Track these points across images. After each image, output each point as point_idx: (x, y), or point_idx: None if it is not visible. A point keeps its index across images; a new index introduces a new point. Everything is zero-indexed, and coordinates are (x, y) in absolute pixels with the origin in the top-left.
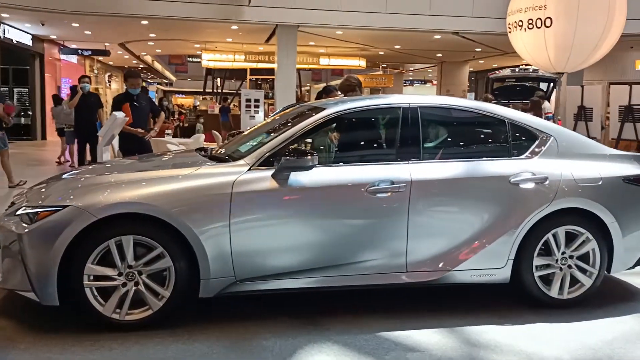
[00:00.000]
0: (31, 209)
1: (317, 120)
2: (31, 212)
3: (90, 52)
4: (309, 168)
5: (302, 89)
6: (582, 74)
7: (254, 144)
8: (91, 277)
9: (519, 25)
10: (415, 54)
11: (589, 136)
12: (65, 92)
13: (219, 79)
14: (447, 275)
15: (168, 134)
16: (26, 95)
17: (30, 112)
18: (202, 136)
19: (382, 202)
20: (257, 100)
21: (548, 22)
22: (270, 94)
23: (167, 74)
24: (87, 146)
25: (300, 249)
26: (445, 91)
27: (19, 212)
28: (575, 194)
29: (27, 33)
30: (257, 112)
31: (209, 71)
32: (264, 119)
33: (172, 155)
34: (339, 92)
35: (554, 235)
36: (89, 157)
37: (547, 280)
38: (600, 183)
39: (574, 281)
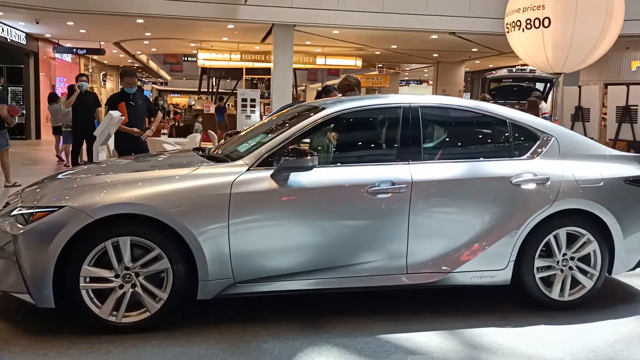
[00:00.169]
0: (26, 209)
1: (316, 120)
2: (26, 212)
3: (85, 51)
4: (309, 168)
5: (298, 88)
6: (578, 74)
7: (253, 143)
8: (87, 279)
9: (517, 25)
10: (412, 53)
11: (586, 137)
12: (60, 91)
13: (214, 79)
14: (448, 276)
15: (164, 134)
16: (20, 94)
17: (24, 112)
18: (199, 136)
19: (382, 203)
20: (253, 100)
21: (546, 22)
22: (266, 93)
23: (162, 73)
24: (84, 146)
25: (300, 250)
26: (441, 91)
27: (14, 212)
28: (577, 195)
29: (22, 31)
30: (253, 111)
31: (205, 70)
32: (260, 119)
33: (170, 155)
34: (338, 92)
35: (555, 237)
36: (84, 157)
37: (548, 281)
38: (601, 184)
39: (575, 283)
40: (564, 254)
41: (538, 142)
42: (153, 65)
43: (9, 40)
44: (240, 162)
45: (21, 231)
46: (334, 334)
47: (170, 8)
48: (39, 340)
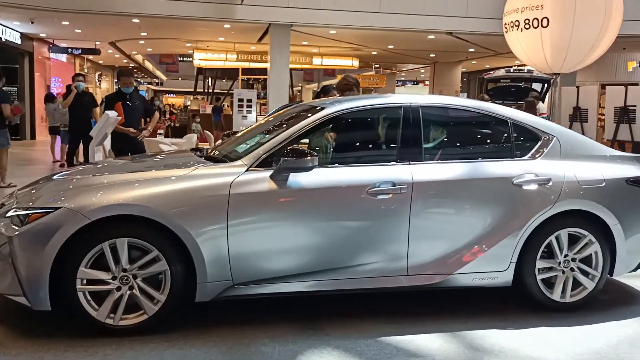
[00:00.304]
0: (22, 210)
1: (316, 120)
2: (22, 214)
3: (80, 51)
4: (309, 169)
5: (294, 89)
6: (574, 75)
7: (252, 144)
8: (84, 281)
9: (516, 26)
10: (409, 54)
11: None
12: (55, 91)
13: (210, 79)
14: (448, 278)
15: (160, 134)
16: (15, 94)
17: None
18: (195, 136)
19: (383, 204)
20: (249, 100)
21: (545, 22)
22: (263, 93)
23: (158, 73)
24: (80, 146)
25: (300, 251)
26: (437, 91)
27: (9, 213)
28: (579, 196)
29: (16, 31)
30: (249, 112)
31: (200, 71)
32: (256, 119)
33: (167, 156)
34: (337, 92)
35: (557, 238)
36: (80, 158)
37: (550, 283)
38: (603, 185)
39: (577, 284)
40: (566, 255)
41: (539, 143)
42: (149, 65)
43: (3, 40)
44: (239, 162)
45: (17, 233)
46: (334, 336)
47: (166, 7)
48: (35, 343)
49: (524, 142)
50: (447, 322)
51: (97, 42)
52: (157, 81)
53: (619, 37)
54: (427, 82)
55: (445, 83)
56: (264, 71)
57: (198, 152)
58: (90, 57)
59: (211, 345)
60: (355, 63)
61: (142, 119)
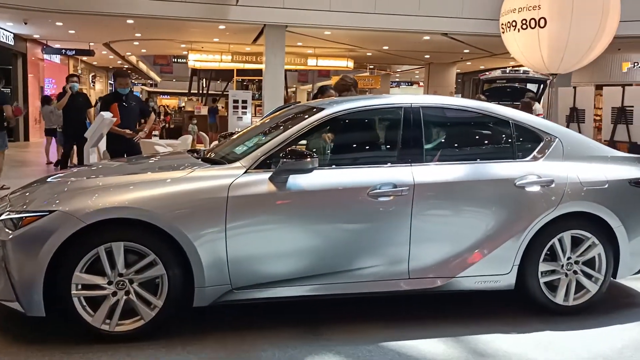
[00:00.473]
0: (15, 214)
1: (316, 121)
2: (15, 217)
3: (74, 52)
4: (309, 171)
5: (289, 90)
6: (570, 75)
7: (250, 145)
8: (79, 286)
9: (513, 26)
10: (403, 55)
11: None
12: (49, 93)
13: (204, 80)
14: (451, 281)
15: (155, 135)
16: (9, 95)
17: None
18: (190, 137)
19: (384, 206)
20: (244, 101)
21: (542, 23)
22: (257, 94)
23: (152, 74)
24: (75, 148)
25: (300, 255)
26: (432, 92)
27: (2, 217)
28: (582, 198)
29: (9, 32)
30: (244, 113)
31: (195, 72)
32: (251, 121)
33: (164, 158)
34: (334, 92)
35: (560, 240)
36: (74, 160)
37: (552, 286)
38: (606, 186)
39: (580, 287)
40: (569, 258)
41: (542, 143)
42: (143, 66)
43: None
44: (237, 164)
45: (10, 237)
46: (335, 342)
47: (161, 8)
48: (29, 350)
49: (526, 143)
50: (450, 326)
51: (91, 43)
52: (151, 82)
53: (614, 38)
54: (421, 83)
55: (440, 84)
56: (258, 72)
57: (195, 154)
58: (84, 58)
59: (210, 351)
60: (350, 64)
61: (138, 120)
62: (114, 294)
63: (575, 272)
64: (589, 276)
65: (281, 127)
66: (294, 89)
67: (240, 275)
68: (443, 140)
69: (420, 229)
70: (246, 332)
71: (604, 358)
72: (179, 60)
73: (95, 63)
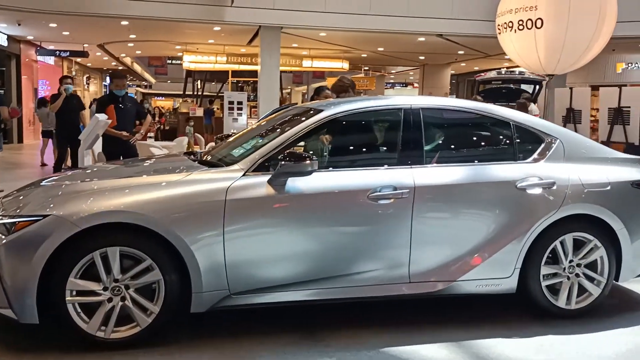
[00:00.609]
0: (8, 218)
1: (315, 123)
2: (8, 222)
3: (68, 54)
4: (308, 173)
5: (283, 91)
6: (565, 76)
7: (248, 147)
8: (74, 292)
9: (509, 27)
10: (398, 56)
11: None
12: (42, 94)
13: (199, 81)
14: (452, 285)
15: (150, 137)
16: (1, 97)
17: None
18: (186, 139)
19: (384, 209)
20: (240, 103)
21: (539, 23)
22: (252, 96)
23: (147, 76)
24: (69, 151)
25: (299, 259)
26: (427, 93)
27: None
28: (584, 200)
29: (3, 33)
30: (240, 114)
31: (189, 73)
32: (247, 122)
33: (160, 160)
34: (332, 93)
35: (562, 243)
36: (68, 163)
37: (554, 289)
38: (608, 188)
39: (582, 290)
40: (571, 261)
41: (543, 145)
42: (137, 67)
43: None
44: (235, 167)
45: (3, 242)
46: (334, 348)
47: (155, 10)
48: (22, 357)
49: (526, 144)
50: (451, 331)
51: (85, 45)
52: (145, 84)
53: (611, 39)
54: (416, 85)
55: (434, 85)
56: (253, 73)
57: (192, 156)
58: (78, 59)
59: (207, 358)
60: (345, 65)
61: (134, 122)
62: (110, 300)
63: (577, 275)
64: (591, 279)
65: (279, 129)
66: (288, 90)
67: (238, 280)
68: (443, 142)
69: (420, 232)
70: (244, 338)
71: None
72: (173, 61)
73: (89, 64)
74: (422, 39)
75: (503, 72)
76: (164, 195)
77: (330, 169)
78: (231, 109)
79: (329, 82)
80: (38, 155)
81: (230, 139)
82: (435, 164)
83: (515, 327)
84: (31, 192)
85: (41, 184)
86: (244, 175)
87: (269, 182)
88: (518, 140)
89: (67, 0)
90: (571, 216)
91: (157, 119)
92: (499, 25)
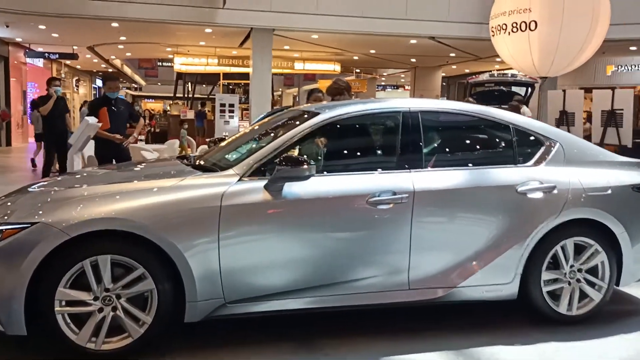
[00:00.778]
0: None
1: (311, 126)
2: None
3: (57, 56)
4: (306, 178)
5: (275, 93)
6: (556, 79)
7: (243, 151)
8: (63, 303)
9: (503, 29)
10: (390, 59)
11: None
12: (31, 97)
13: (190, 84)
14: (452, 292)
15: (141, 140)
16: None
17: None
18: (177, 142)
19: (383, 214)
20: (231, 105)
21: (533, 26)
22: (244, 98)
23: (137, 78)
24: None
25: (296, 266)
26: (418, 96)
27: None
28: (585, 204)
29: None
30: (231, 117)
31: (180, 75)
32: (238, 125)
33: (153, 165)
34: (324, 95)
35: (563, 248)
36: (56, 167)
37: (555, 295)
38: (609, 192)
39: (583, 296)
40: (572, 266)
41: (543, 148)
42: (127, 70)
43: None
44: (230, 171)
45: None
46: (333, 357)
47: (146, 11)
48: None
49: (526, 147)
50: (451, 339)
51: (74, 47)
52: (135, 86)
53: (604, 41)
54: (407, 87)
55: (425, 87)
56: (245, 76)
57: (185, 160)
58: (68, 62)
59: None
60: (337, 68)
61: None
62: (100, 310)
63: (578, 281)
64: (592, 284)
65: (275, 133)
66: (279, 93)
67: (234, 288)
68: (443, 146)
69: (420, 238)
70: (239, 348)
71: None
72: (164, 63)
73: (78, 67)
74: (413, 41)
75: (495, 75)
76: (157, 201)
77: (328, 173)
78: (223, 111)
79: (321, 84)
80: (27, 158)
81: (224, 142)
82: (434, 168)
83: (516, 334)
84: (19, 199)
85: (29, 189)
86: (239, 180)
87: (266, 187)
88: (518, 144)
89: (57, 2)
90: (572, 220)
91: (147, 121)
92: (492, 27)
